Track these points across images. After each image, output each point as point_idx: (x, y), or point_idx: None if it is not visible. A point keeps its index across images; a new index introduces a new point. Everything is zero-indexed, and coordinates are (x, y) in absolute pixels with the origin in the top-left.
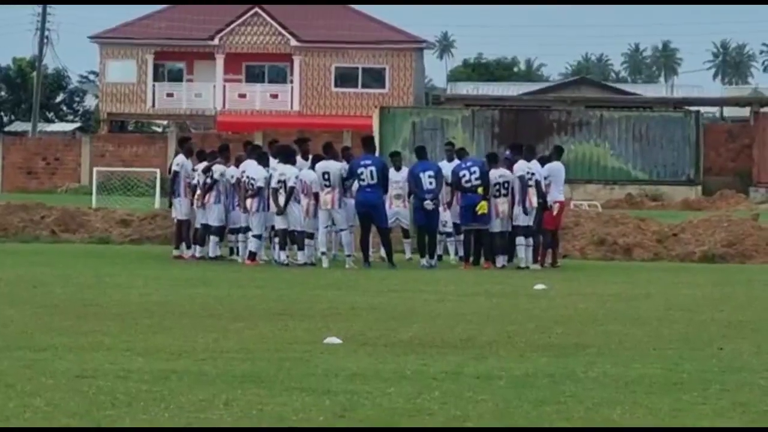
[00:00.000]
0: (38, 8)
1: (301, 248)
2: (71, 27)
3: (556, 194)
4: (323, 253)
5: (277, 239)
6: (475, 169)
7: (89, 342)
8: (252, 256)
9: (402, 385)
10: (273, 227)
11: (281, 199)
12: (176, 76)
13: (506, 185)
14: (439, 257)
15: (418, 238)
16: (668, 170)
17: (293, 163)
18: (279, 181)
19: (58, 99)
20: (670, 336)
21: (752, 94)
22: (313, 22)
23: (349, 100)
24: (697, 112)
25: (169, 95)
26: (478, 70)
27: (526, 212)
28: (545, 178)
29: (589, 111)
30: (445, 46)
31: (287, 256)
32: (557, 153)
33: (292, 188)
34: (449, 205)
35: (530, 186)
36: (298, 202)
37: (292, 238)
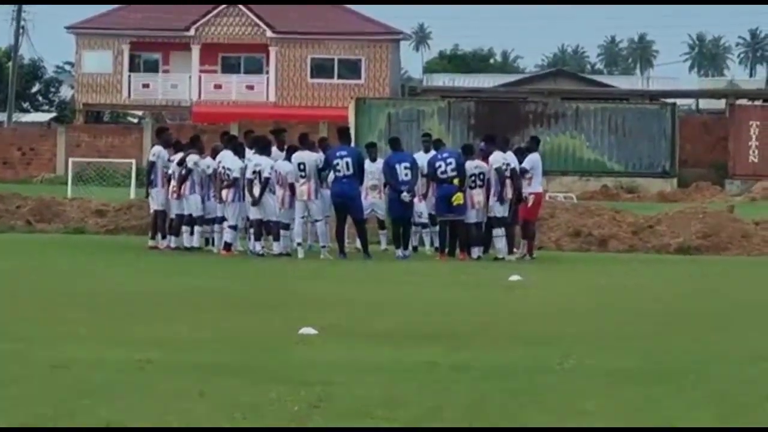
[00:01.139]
0: None
1: (276, 239)
2: (47, 17)
3: (536, 185)
4: (299, 244)
5: (252, 230)
6: (451, 160)
7: (64, 332)
8: (227, 246)
9: (377, 375)
10: (248, 218)
11: (256, 190)
12: (152, 67)
13: (482, 176)
14: (415, 248)
15: (393, 229)
16: (644, 162)
17: (268, 153)
18: (254, 172)
19: (34, 89)
20: (645, 327)
21: (728, 87)
22: (290, 14)
23: (325, 91)
24: (673, 104)
25: (145, 86)
26: (454, 61)
27: (502, 203)
28: (528, 171)
29: (565, 103)
30: (421, 37)
31: (263, 247)
32: (535, 144)
33: (267, 179)
34: (425, 196)
35: (507, 177)
36: (273, 192)
37: (268, 229)
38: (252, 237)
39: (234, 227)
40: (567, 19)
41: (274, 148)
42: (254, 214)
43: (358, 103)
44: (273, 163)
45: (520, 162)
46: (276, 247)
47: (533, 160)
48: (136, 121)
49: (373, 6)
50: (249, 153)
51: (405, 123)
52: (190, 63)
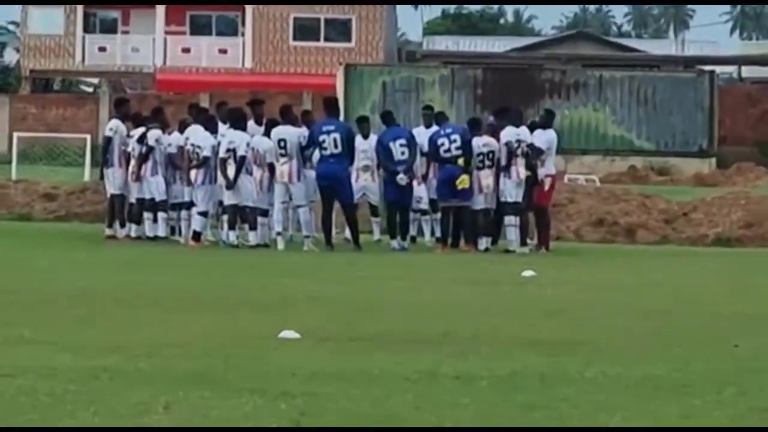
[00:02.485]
0: None
1: (253, 227)
2: None
3: (549, 166)
4: (278, 233)
5: (225, 217)
6: (456, 137)
7: (7, 335)
8: (196, 236)
9: (369, 386)
10: (221, 203)
11: (231, 171)
12: (110, 28)
13: (491, 156)
14: (413, 239)
15: (388, 216)
16: (678, 140)
17: (244, 128)
18: (228, 150)
19: None
20: (678, 331)
21: None
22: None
23: (310, 55)
24: (712, 72)
25: (102, 49)
26: (458, 22)
27: (515, 186)
28: (544, 151)
29: (587, 70)
30: None
31: (237, 237)
32: (550, 118)
33: (243, 157)
34: (425, 178)
35: (517, 156)
36: (250, 173)
37: (243, 216)
38: (225, 225)
39: (204, 214)
40: None
41: (250, 123)
42: (228, 198)
43: (348, 70)
44: (249, 140)
45: None
46: (252, 237)
47: (548, 137)
48: (91, 90)
49: None
50: (222, 128)
51: (402, 93)
52: (154, 23)
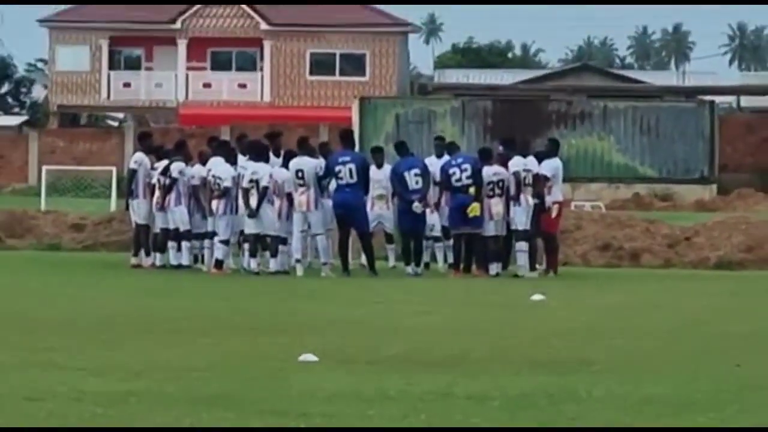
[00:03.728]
0: None
1: (273, 255)
2: (18, 9)
3: (556, 194)
4: (297, 261)
5: (246, 245)
6: (467, 166)
7: (38, 360)
8: (219, 263)
9: (385, 406)
10: (242, 232)
11: (253, 201)
12: (134, 64)
13: (501, 184)
14: (426, 265)
15: (402, 243)
16: (680, 167)
17: (266, 160)
18: (251, 180)
19: (3, 90)
20: (682, 351)
21: None
22: (286, 4)
23: (326, 89)
24: (712, 102)
25: (126, 85)
26: (468, 55)
27: (523, 213)
28: (550, 179)
29: (592, 101)
30: (432, 29)
31: (258, 264)
32: (555, 147)
33: (266, 188)
34: (437, 206)
35: (527, 184)
36: (272, 203)
37: (264, 244)
38: (246, 253)
39: (226, 242)
40: (594, 9)
41: (270, 154)
42: (250, 227)
43: (363, 103)
44: (271, 171)
45: None
46: (273, 264)
47: (554, 165)
48: (116, 124)
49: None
50: (242, 160)
51: (414, 124)
52: (176, 59)
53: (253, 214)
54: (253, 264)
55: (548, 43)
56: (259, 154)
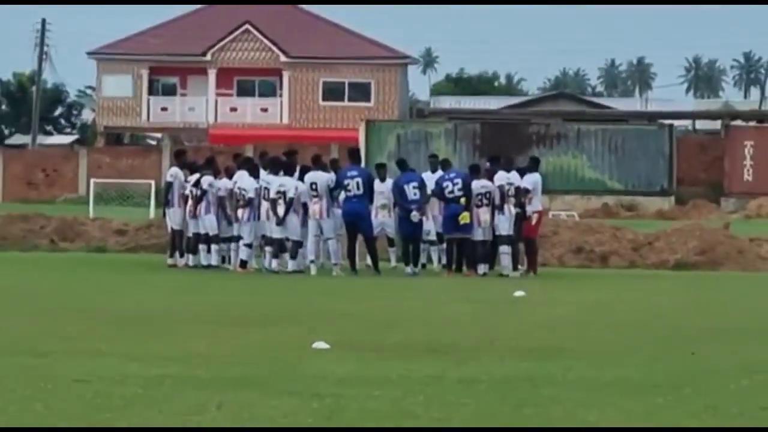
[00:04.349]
0: (38, 24)
1: (293, 257)
2: (69, 43)
3: (536, 204)
4: (312, 261)
5: (269, 248)
6: (458, 180)
7: (87, 347)
8: (243, 264)
9: (387, 388)
10: (263, 236)
11: (281, 210)
12: (170, 91)
13: (488, 195)
14: (423, 265)
15: (402, 246)
16: (643, 181)
17: (291, 174)
18: (278, 192)
19: (57, 112)
20: (644, 341)
21: (723, 108)
22: (302, 39)
23: (336, 113)
24: (671, 125)
25: (164, 109)
26: (460, 84)
27: (505, 220)
28: (530, 191)
29: (567, 124)
30: (428, 61)
31: (278, 264)
32: (536, 164)
33: (292, 199)
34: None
35: (510, 196)
36: (296, 212)
37: (284, 247)
38: (268, 255)
39: (249, 245)
40: (568, 42)
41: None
42: (275, 232)
43: (368, 125)
44: (297, 184)
45: None
46: (291, 265)
47: (534, 179)
48: (154, 143)
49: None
50: (263, 174)
51: (413, 144)
52: (207, 87)
53: (281, 221)
54: (275, 264)
55: (529, 73)
56: (287, 169)
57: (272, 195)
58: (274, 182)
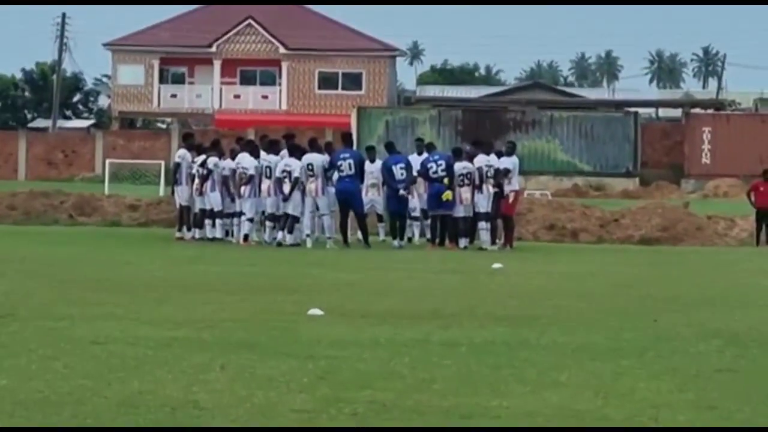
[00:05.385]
0: (58, 18)
1: (290, 231)
2: (87, 35)
3: (514, 184)
4: (308, 235)
5: (269, 223)
6: (442, 162)
7: (102, 312)
8: (245, 237)
9: (376, 351)
10: (263, 212)
11: (286, 188)
12: (179, 79)
13: (469, 176)
14: (409, 239)
15: (390, 222)
16: (610, 164)
17: (298, 157)
18: (283, 171)
19: (75, 99)
20: (611, 309)
21: (684, 97)
22: (300, 32)
23: (331, 101)
24: (636, 112)
25: (173, 96)
26: (444, 74)
27: (484, 199)
28: (510, 171)
29: (541, 111)
30: (415, 53)
31: (274, 238)
32: (513, 148)
33: (297, 178)
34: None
35: (489, 177)
36: (300, 191)
37: (283, 222)
38: (268, 229)
39: (251, 220)
40: (543, 37)
41: (284, 151)
42: (277, 208)
43: (360, 112)
44: (302, 165)
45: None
46: (289, 239)
47: (512, 161)
48: (164, 127)
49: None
50: (263, 154)
51: (401, 129)
52: (213, 76)
53: (287, 198)
54: (281, 236)
55: (507, 65)
56: (294, 151)
57: (277, 174)
58: (279, 163)
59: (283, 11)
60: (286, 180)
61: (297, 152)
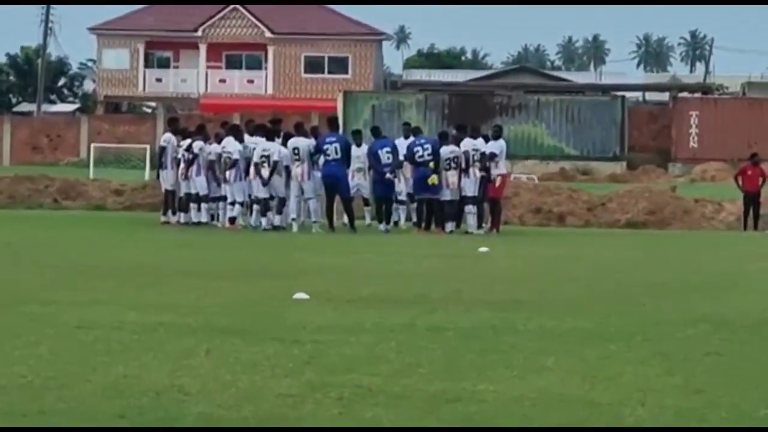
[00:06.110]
0: (43, 3)
1: (279, 212)
2: (72, 19)
3: (501, 168)
4: (293, 219)
5: (255, 207)
6: (428, 146)
7: (87, 297)
8: (231, 221)
9: (362, 335)
10: (250, 195)
11: (265, 172)
12: (164, 64)
13: (455, 160)
14: (395, 223)
15: (376, 206)
16: (597, 148)
17: (273, 140)
18: (262, 156)
19: (60, 83)
20: (598, 293)
21: (671, 81)
22: (285, 16)
23: (317, 85)
24: (623, 96)
25: (158, 80)
26: (430, 59)
27: (471, 183)
28: (497, 155)
29: (528, 95)
30: (401, 37)
31: (260, 222)
32: (499, 132)
33: (276, 162)
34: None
35: (475, 161)
36: (280, 174)
37: (267, 206)
38: (255, 213)
39: (240, 203)
40: (529, 21)
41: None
42: (260, 192)
43: (346, 96)
44: (280, 148)
45: None
46: (276, 220)
47: (499, 145)
48: (150, 111)
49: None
50: (248, 138)
51: (387, 113)
52: (198, 60)
53: (266, 182)
54: (264, 222)
55: (493, 49)
56: (269, 135)
57: (255, 159)
58: (258, 147)
59: None
60: (265, 164)
61: (273, 136)
